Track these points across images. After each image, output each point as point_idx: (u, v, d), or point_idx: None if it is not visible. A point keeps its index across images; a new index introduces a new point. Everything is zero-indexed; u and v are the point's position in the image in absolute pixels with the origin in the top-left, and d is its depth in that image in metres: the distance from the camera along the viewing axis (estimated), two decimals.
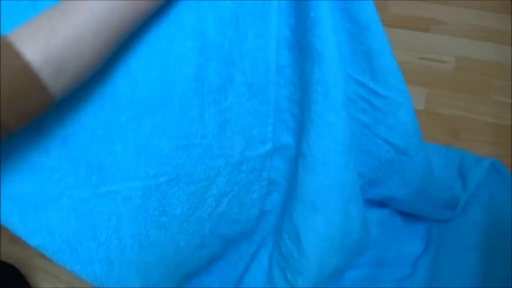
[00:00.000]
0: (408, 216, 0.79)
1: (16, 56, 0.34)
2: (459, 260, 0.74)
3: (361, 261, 0.74)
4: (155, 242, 0.54)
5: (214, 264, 0.65)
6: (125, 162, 0.48)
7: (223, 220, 0.59)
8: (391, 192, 0.69)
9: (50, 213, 0.47)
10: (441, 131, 0.92)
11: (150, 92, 0.47)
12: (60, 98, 0.39)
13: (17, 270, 0.79)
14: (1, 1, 0.40)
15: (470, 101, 0.96)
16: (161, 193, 0.52)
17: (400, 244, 0.76)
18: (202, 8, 0.46)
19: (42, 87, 0.36)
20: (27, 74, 0.35)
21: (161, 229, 0.53)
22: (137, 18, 0.40)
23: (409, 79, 1.03)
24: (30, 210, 0.46)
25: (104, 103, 0.46)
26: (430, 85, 1.00)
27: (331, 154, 0.52)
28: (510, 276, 0.71)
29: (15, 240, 0.88)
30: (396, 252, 0.75)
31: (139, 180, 0.50)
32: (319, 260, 0.57)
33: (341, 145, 0.52)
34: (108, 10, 0.37)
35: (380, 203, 0.78)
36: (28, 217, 0.46)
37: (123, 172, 0.49)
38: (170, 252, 0.56)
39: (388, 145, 0.60)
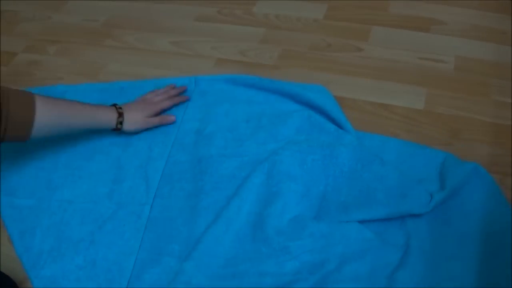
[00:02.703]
0: (380, 227, 0.79)
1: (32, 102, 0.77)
2: (441, 270, 0.73)
3: (338, 277, 0.73)
4: None
5: None
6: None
7: None
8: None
9: None
10: (441, 131, 0.92)
11: None
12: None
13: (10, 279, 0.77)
14: None
15: (470, 101, 0.96)
16: None
17: (374, 256, 0.75)
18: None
19: (30, 127, 0.76)
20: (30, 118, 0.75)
21: None
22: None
23: (409, 79, 1.05)
24: None
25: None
26: (430, 85, 1.00)
27: None
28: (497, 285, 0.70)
29: None
30: (371, 265, 0.74)
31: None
32: None
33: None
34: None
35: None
36: None
37: None
38: None
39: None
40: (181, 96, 1.01)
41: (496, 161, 0.86)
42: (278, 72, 1.07)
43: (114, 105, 0.92)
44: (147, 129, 0.95)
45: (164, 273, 0.77)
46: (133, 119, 0.91)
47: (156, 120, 0.95)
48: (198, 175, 0.89)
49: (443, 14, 1.15)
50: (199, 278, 0.75)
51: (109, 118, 0.89)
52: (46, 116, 0.78)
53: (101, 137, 0.97)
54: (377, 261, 0.74)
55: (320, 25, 1.18)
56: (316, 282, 0.73)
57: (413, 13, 1.17)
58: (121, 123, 0.89)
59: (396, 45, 1.10)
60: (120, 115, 0.89)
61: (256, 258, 0.77)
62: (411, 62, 1.05)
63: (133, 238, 0.82)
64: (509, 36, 1.07)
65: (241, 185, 0.84)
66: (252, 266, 0.76)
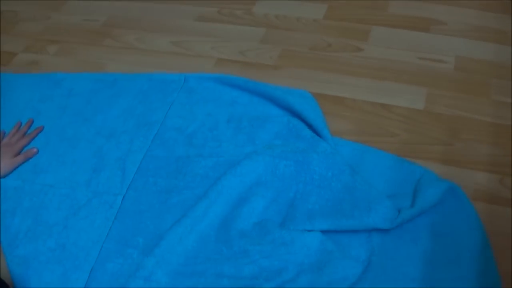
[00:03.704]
0: (344, 239, 0.78)
1: None
2: None
3: (293, 287, 0.73)
4: None
5: None
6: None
7: None
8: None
9: None
10: (441, 131, 0.92)
11: None
12: None
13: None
14: None
15: (470, 101, 0.96)
16: None
17: (332, 269, 0.74)
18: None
19: None
20: None
21: None
22: None
23: (409, 79, 1.05)
24: None
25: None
26: (430, 85, 1.00)
27: None
28: None
29: None
30: (328, 277, 0.73)
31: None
32: None
33: None
34: None
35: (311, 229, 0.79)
36: None
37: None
38: None
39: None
40: (36, 129, 1.03)
41: (496, 161, 0.86)
42: (278, 72, 1.07)
43: None
44: (14, 169, 0.96)
45: (126, 264, 0.79)
46: (0, 165, 0.94)
47: (21, 158, 0.97)
48: (173, 173, 0.90)
49: (443, 14, 1.15)
50: (158, 274, 0.77)
51: None
52: None
53: (89, 127, 1.01)
54: (335, 274, 0.73)
55: (320, 25, 1.18)
56: None
57: (413, 13, 1.17)
58: None
59: (396, 45, 1.10)
60: None
61: (216, 259, 0.78)
62: (411, 62, 1.05)
63: (102, 226, 0.85)
64: (509, 36, 1.07)
65: (211, 187, 0.85)
66: (211, 267, 0.77)
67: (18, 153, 0.98)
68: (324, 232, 0.78)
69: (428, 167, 0.86)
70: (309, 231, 0.78)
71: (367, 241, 0.77)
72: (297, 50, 1.12)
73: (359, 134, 0.93)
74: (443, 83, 1.00)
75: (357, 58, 1.08)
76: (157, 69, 1.13)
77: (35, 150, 0.98)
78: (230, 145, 0.93)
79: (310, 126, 0.93)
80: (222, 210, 0.83)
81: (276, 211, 0.82)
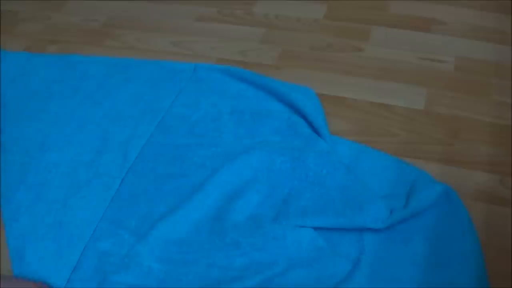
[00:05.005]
0: (336, 237, 0.78)
1: None
2: None
3: (282, 281, 0.73)
4: None
5: None
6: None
7: None
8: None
9: None
10: (441, 131, 0.92)
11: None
12: None
13: None
14: None
15: (470, 101, 0.96)
16: None
17: (322, 265, 0.74)
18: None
19: None
20: None
21: None
22: None
23: (409, 79, 1.05)
24: None
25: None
26: (430, 85, 1.00)
27: None
28: None
29: None
30: (317, 273, 0.74)
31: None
32: None
33: None
34: None
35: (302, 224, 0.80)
36: None
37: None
38: None
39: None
40: None
41: (496, 161, 0.86)
42: (278, 72, 1.07)
43: None
44: None
45: (117, 244, 0.81)
46: None
47: None
48: (171, 160, 0.92)
49: (443, 14, 1.15)
50: (151, 260, 0.78)
51: None
52: None
53: (97, 110, 1.03)
54: (324, 271, 0.74)
55: (320, 25, 1.18)
56: (260, 282, 0.73)
57: (413, 13, 1.17)
58: None
59: (396, 45, 1.10)
60: None
61: (209, 249, 0.79)
62: (411, 62, 1.05)
63: (99, 207, 0.87)
64: (509, 36, 1.08)
65: (207, 180, 0.86)
66: (203, 256, 0.78)
67: None
68: (316, 229, 0.79)
69: (428, 167, 0.86)
70: (301, 227, 0.79)
71: (358, 240, 0.78)
72: (297, 50, 1.12)
73: (359, 134, 0.93)
74: (443, 83, 1.00)
75: (357, 58, 1.08)
76: None
77: None
78: (230, 136, 0.94)
79: (310, 123, 0.94)
80: (218, 203, 0.84)
81: (270, 206, 0.83)
